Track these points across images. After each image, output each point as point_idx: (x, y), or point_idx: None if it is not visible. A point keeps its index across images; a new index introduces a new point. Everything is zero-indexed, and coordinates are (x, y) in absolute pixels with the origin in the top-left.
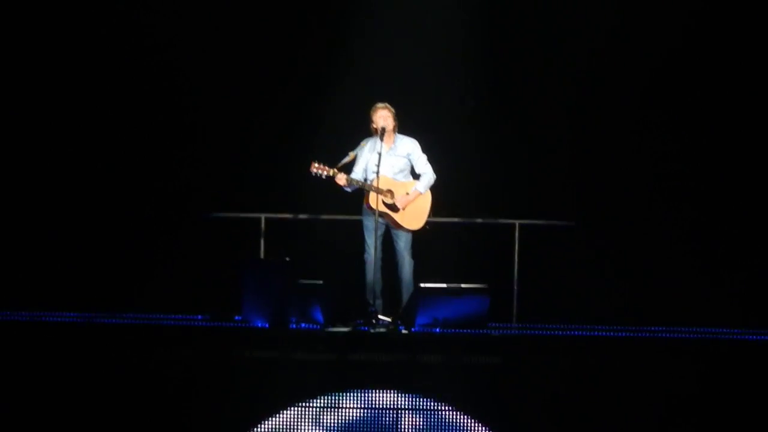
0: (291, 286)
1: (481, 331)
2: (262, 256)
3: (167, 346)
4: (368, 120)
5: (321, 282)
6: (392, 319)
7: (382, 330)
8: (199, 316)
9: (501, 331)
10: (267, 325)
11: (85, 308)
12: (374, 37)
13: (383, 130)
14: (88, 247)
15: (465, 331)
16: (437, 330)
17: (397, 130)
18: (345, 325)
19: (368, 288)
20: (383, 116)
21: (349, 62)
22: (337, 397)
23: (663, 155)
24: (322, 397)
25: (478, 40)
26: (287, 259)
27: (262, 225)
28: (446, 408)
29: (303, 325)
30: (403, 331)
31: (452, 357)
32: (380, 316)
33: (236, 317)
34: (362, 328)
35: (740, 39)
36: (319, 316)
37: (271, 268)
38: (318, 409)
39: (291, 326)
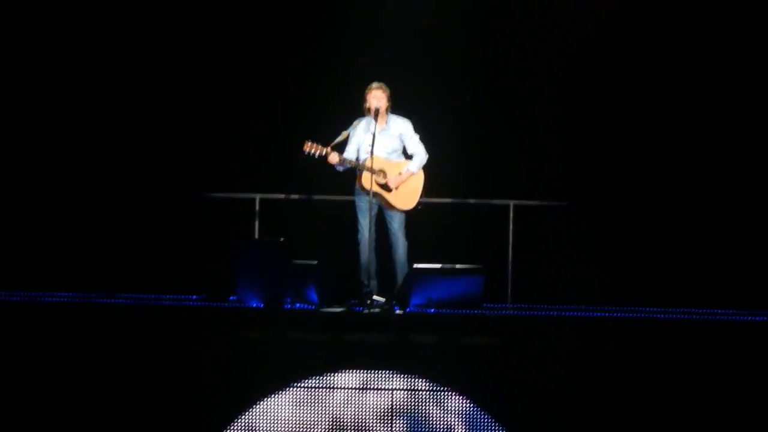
0: (286, 266)
1: (475, 311)
2: (256, 236)
3: (162, 326)
4: (362, 100)
5: (315, 262)
6: (387, 300)
7: (377, 310)
8: (194, 297)
9: (496, 312)
10: (262, 306)
11: (80, 289)
12: (368, 17)
13: (377, 110)
14: (82, 227)
15: (460, 311)
16: (432, 310)
17: (390, 110)
18: (340, 306)
19: (362, 268)
20: (377, 96)
21: (342, 42)
22: (331, 378)
23: (658, 133)
24: (317, 378)
25: (472, 21)
26: (282, 239)
27: (257, 205)
28: (440, 388)
29: (298, 305)
30: (398, 312)
31: (447, 337)
32: (375, 297)
33: (231, 298)
34: (357, 308)
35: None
36: (314, 297)
37: (266, 248)
38: (312, 390)
39: (286, 307)
